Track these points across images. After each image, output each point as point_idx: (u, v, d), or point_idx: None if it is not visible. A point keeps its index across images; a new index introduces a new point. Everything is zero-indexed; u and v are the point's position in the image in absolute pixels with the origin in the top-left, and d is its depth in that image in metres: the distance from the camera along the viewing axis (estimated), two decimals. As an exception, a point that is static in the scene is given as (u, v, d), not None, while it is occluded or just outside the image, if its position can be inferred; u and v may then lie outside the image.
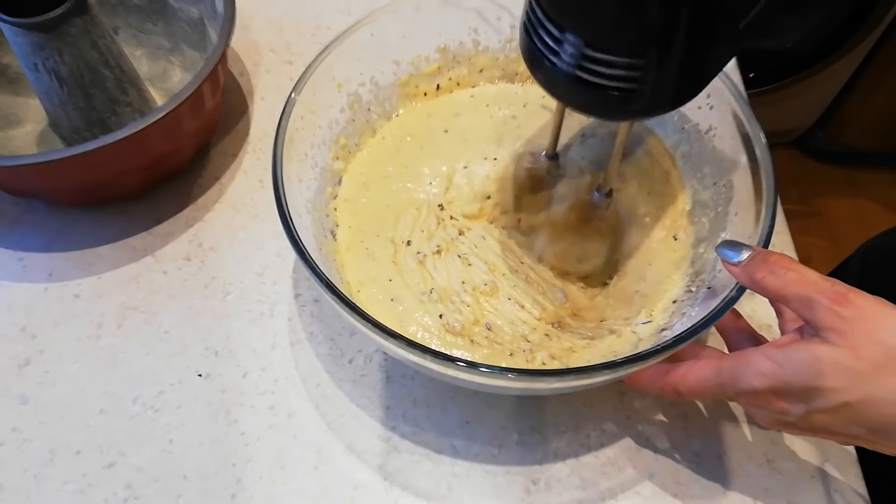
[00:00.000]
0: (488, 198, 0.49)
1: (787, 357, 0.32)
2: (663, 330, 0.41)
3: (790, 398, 0.33)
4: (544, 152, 0.48)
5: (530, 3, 0.34)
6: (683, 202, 0.48)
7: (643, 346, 0.41)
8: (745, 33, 0.33)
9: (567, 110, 0.44)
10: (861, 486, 0.41)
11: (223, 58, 0.49)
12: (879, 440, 0.33)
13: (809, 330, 0.33)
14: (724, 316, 0.36)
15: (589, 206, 0.46)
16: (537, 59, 0.34)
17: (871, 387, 0.31)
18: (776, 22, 0.33)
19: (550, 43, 0.33)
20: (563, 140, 0.50)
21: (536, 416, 0.44)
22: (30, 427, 0.43)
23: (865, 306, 0.31)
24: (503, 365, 0.41)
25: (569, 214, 0.46)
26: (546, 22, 0.33)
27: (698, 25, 0.31)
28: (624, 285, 0.45)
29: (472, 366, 0.34)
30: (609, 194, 0.45)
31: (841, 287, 0.32)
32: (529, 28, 0.34)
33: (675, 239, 0.46)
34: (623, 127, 0.40)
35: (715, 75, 0.35)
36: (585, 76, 0.33)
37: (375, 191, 0.49)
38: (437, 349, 0.36)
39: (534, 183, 0.49)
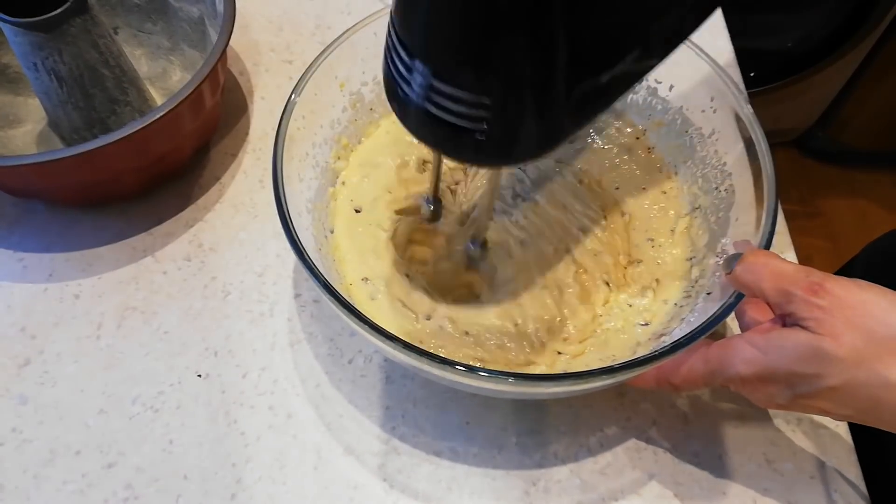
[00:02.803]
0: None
1: (770, 344, 0.33)
2: (661, 335, 0.41)
3: (775, 384, 0.33)
4: (426, 197, 0.44)
5: (388, 27, 0.31)
6: (683, 206, 0.48)
7: (641, 351, 0.41)
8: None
9: None
10: (861, 486, 0.41)
11: (223, 57, 0.49)
12: (869, 420, 0.33)
13: (791, 319, 0.33)
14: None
15: (467, 257, 0.44)
16: (392, 87, 0.32)
17: (853, 372, 0.31)
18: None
19: (402, 70, 0.30)
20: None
21: (536, 418, 0.44)
22: (30, 427, 0.43)
23: (844, 295, 0.32)
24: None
25: (444, 265, 0.44)
26: (399, 48, 0.30)
27: (548, 67, 0.28)
28: (631, 279, 0.45)
29: (470, 370, 0.34)
30: (484, 245, 0.43)
31: (816, 276, 0.33)
32: (387, 53, 0.31)
33: (674, 242, 0.46)
34: (491, 176, 0.36)
35: (578, 127, 0.32)
36: (433, 109, 0.30)
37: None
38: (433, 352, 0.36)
39: (412, 230, 0.46)
